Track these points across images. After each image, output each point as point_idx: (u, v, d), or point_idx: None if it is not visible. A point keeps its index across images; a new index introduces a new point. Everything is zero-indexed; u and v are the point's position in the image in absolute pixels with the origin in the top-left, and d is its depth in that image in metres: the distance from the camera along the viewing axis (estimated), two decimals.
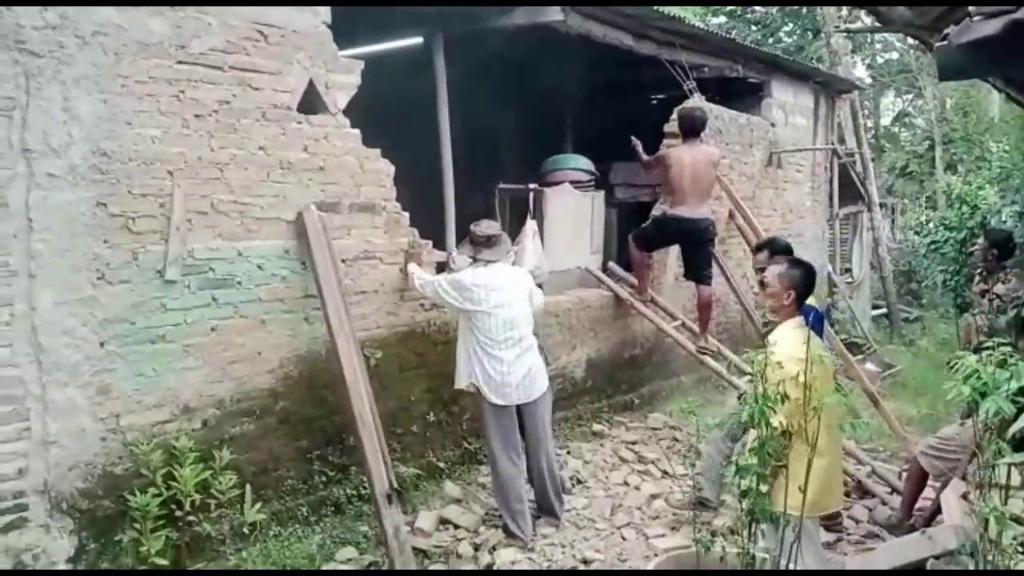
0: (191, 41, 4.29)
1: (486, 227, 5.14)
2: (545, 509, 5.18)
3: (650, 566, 3.23)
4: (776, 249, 4.80)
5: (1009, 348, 3.09)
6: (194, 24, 4.30)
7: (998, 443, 2.61)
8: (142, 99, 4.14)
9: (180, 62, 4.26)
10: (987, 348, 4.10)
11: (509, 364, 4.92)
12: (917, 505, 5.18)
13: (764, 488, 2.70)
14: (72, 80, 3.88)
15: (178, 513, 4.13)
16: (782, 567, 2.63)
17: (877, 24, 4.84)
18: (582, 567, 4.71)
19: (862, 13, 12.70)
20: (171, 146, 4.25)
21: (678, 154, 6.75)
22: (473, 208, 8.07)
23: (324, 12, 4.90)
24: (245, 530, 4.49)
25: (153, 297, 4.24)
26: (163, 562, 4.03)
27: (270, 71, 4.65)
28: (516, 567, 4.67)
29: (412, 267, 5.34)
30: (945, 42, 3.06)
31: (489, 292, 4.92)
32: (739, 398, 2.82)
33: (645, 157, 6.96)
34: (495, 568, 4.66)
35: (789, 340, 3.27)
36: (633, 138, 6.97)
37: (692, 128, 6.82)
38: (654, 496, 5.68)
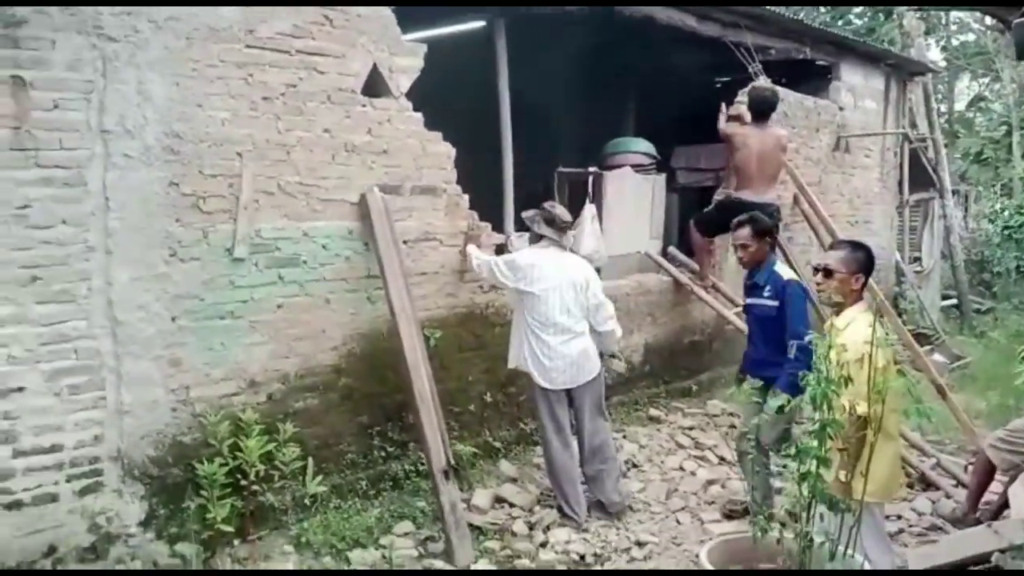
0: (259, 25, 4.40)
1: (564, 212, 5.17)
2: (598, 500, 5.12)
3: (703, 550, 3.22)
4: (759, 229, 4.82)
5: None
6: (262, 8, 4.41)
7: None
8: (212, 82, 4.26)
9: (249, 46, 4.38)
10: None
11: (555, 348, 4.93)
12: (983, 499, 5.05)
13: (824, 472, 2.67)
14: (146, 64, 4.02)
15: (243, 483, 4.26)
16: (840, 551, 2.61)
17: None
18: (636, 549, 4.72)
19: None
20: (240, 128, 4.37)
21: (746, 135, 6.64)
22: (532, 191, 8.11)
23: None
24: (307, 501, 4.62)
25: (222, 274, 4.38)
26: (228, 528, 4.18)
27: (335, 55, 4.74)
28: (570, 546, 4.71)
29: (471, 248, 5.39)
30: (1023, 18, 2.96)
31: (542, 274, 4.93)
32: (801, 379, 2.80)
33: (722, 122, 6.83)
34: (548, 544, 4.70)
35: (860, 323, 3.23)
36: (724, 104, 6.89)
37: (762, 109, 6.69)
38: (710, 482, 5.65)
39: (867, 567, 2.81)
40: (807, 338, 4.21)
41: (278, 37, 4.48)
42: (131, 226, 4.01)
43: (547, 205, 5.18)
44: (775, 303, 4.67)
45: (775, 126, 6.79)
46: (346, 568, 4.37)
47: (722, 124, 6.78)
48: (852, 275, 3.43)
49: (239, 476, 4.26)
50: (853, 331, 3.00)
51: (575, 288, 4.98)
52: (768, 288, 4.72)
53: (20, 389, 3.75)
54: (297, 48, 4.57)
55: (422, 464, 5.11)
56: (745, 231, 4.81)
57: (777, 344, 4.62)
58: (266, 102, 4.47)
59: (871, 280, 3.74)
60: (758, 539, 2.82)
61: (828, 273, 3.49)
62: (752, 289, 4.88)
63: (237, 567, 4.24)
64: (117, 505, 4.06)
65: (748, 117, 6.80)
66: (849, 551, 2.64)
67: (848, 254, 3.50)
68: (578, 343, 4.98)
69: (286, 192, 4.59)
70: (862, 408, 2.79)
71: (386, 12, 4.97)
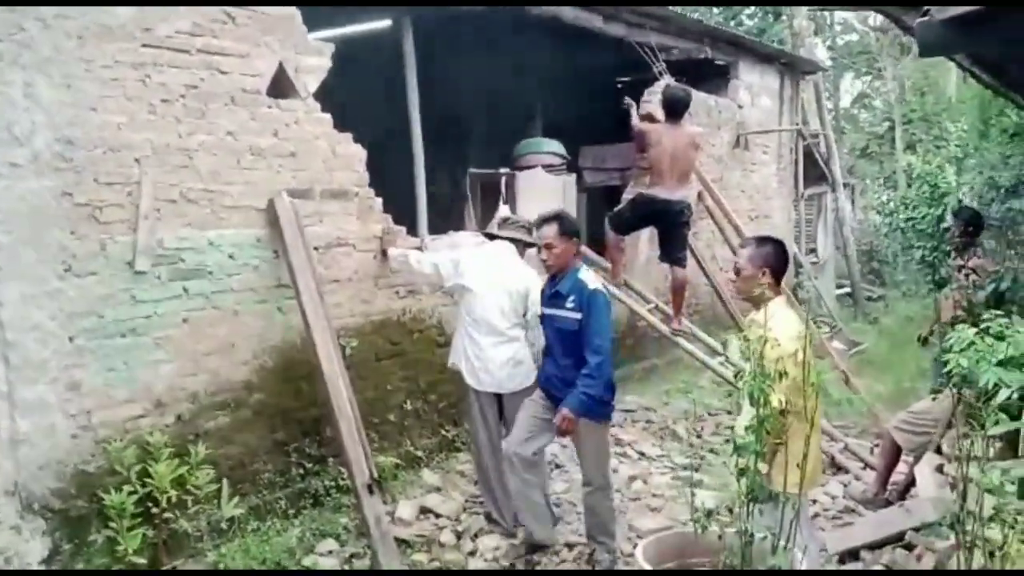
0: (157, 24, 4.16)
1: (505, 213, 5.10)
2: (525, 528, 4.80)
3: (639, 548, 3.22)
4: (566, 228, 4.35)
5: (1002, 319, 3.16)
6: (160, 6, 4.16)
7: (991, 412, 2.64)
8: (107, 84, 4.00)
9: (146, 45, 4.13)
10: (963, 322, 4.15)
11: (484, 349, 4.82)
12: (891, 479, 5.27)
13: (762, 467, 2.70)
14: (34, 65, 3.74)
15: (154, 510, 4.02)
16: (782, 545, 2.64)
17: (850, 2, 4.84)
18: (565, 551, 4.70)
19: None
20: (137, 132, 4.12)
21: (660, 132, 6.71)
22: (443, 192, 8.03)
23: None
24: (223, 525, 4.42)
25: (122, 289, 4.11)
26: (141, 561, 3.93)
27: (238, 54, 4.53)
28: (499, 552, 4.65)
29: (399, 249, 5.30)
30: (927, 18, 3.07)
31: (480, 271, 4.82)
32: (736, 376, 2.81)
33: (635, 119, 6.87)
34: (477, 552, 4.64)
35: (784, 318, 3.28)
36: (627, 99, 6.91)
37: (676, 108, 6.76)
38: (632, 478, 5.70)
39: (800, 558, 2.86)
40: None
41: (177, 36, 4.25)
42: (20, 239, 3.72)
43: (507, 215, 5.13)
44: (578, 315, 4.20)
45: (688, 125, 6.90)
46: None
47: (636, 121, 6.84)
48: (758, 270, 3.47)
49: (150, 504, 4.02)
50: (779, 326, 3.04)
51: (511, 294, 4.81)
52: (572, 298, 4.24)
53: None
54: (198, 47, 4.34)
55: (343, 479, 4.95)
56: (551, 229, 4.30)
57: (579, 360, 4.20)
58: (165, 104, 4.22)
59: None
60: (697, 535, 2.83)
61: (737, 271, 3.55)
62: (553, 298, 4.37)
63: None
64: (16, 543, 3.74)
65: (661, 115, 6.89)
66: (788, 545, 2.67)
67: (753, 250, 3.55)
68: (508, 348, 4.80)
69: (189, 199, 4.35)
70: (775, 399, 2.83)
71: (291, 10, 4.79)
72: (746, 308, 7.27)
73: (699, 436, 6.44)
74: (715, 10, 18.28)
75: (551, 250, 4.32)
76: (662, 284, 7.84)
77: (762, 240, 3.70)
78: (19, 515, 3.76)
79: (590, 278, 4.32)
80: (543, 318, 4.51)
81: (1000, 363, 2.82)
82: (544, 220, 4.39)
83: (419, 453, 5.65)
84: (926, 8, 3.07)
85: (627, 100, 6.97)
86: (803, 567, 2.86)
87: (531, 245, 4.83)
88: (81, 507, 3.97)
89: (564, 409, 4.18)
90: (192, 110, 4.34)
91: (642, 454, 6.09)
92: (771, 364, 2.71)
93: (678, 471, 5.82)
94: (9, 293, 3.68)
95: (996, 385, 2.69)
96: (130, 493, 3.93)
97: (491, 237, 5.03)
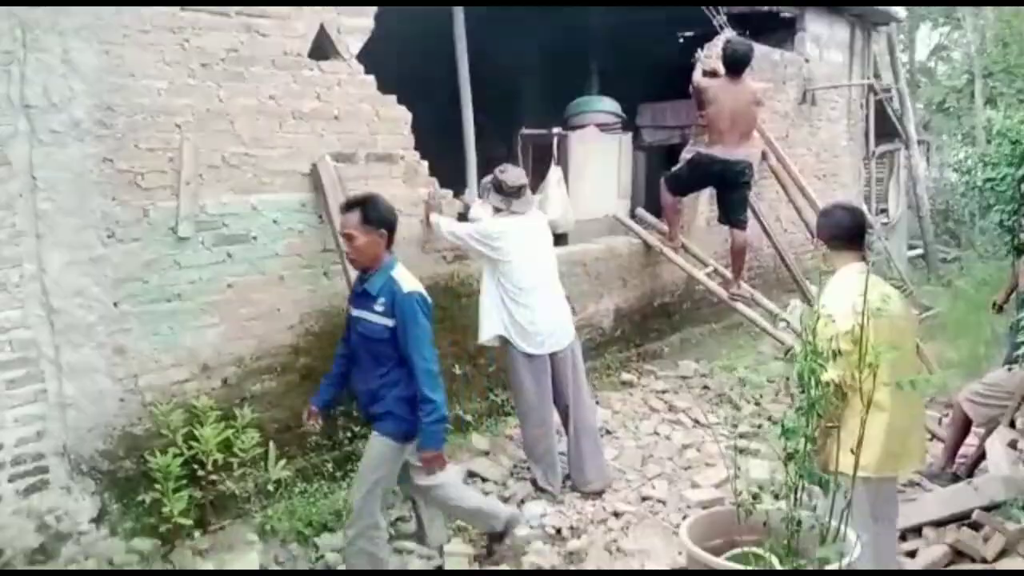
0: None
1: (515, 177, 4.92)
2: (580, 474, 4.94)
3: (684, 527, 3.09)
4: (372, 216, 3.66)
5: None
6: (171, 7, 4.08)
7: None
8: (145, 49, 3.96)
9: (184, 8, 4.07)
10: None
11: (539, 312, 4.81)
12: (960, 453, 5.01)
13: (812, 450, 2.54)
14: (71, 30, 3.71)
15: (200, 473, 4.07)
16: (833, 531, 2.48)
17: None
18: (612, 519, 4.61)
19: None
20: (178, 98, 4.08)
21: (720, 88, 6.44)
22: (495, 155, 7.87)
23: None
24: (270, 487, 4.43)
25: (166, 255, 4.12)
26: (187, 521, 3.97)
27: (278, 16, 4.45)
28: (544, 520, 4.59)
29: (436, 217, 5.17)
30: None
31: (517, 241, 4.77)
32: (786, 354, 2.64)
33: (697, 74, 6.61)
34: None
35: (840, 288, 3.07)
36: (698, 51, 6.67)
37: (737, 63, 6.47)
38: (685, 446, 5.57)
39: (859, 545, 2.68)
40: (430, 377, 3.53)
41: None
42: (63, 207, 3.73)
43: (498, 169, 4.95)
44: (389, 321, 3.60)
45: (749, 80, 6.59)
46: (315, 554, 4.22)
47: (697, 77, 6.57)
48: (826, 241, 3.31)
49: (196, 466, 4.06)
50: (836, 298, 2.84)
51: (549, 248, 4.95)
52: (382, 300, 3.62)
53: None
54: (237, 10, 4.27)
55: None
56: (353, 217, 3.63)
57: (391, 371, 3.67)
58: (205, 69, 4.17)
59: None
60: (742, 518, 2.68)
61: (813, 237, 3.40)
62: (361, 298, 3.75)
63: (198, 560, 4.05)
64: (66, 503, 3.82)
65: (722, 71, 6.60)
66: (841, 528, 2.51)
67: (822, 220, 3.41)
68: (561, 303, 4.98)
69: (231, 165, 4.32)
70: (828, 377, 2.65)
71: None
72: (813, 272, 6.97)
73: (758, 404, 6.23)
74: None
75: (352, 242, 3.64)
76: (722, 247, 7.59)
77: (834, 208, 3.53)
78: (69, 476, 3.84)
79: (405, 278, 3.67)
80: (349, 319, 3.90)
81: None
82: (348, 205, 3.74)
83: (468, 417, 5.60)
84: None
85: (697, 53, 6.70)
86: (859, 556, 2.67)
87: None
88: (128, 469, 4.03)
89: (425, 452, 3.70)
90: (232, 74, 4.28)
91: (697, 422, 5.93)
92: (824, 342, 2.52)
93: (734, 439, 5.66)
94: (53, 259, 3.71)
95: None
96: (176, 456, 3.96)
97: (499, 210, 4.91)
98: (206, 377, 4.32)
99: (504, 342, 4.87)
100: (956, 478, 4.78)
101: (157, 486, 3.93)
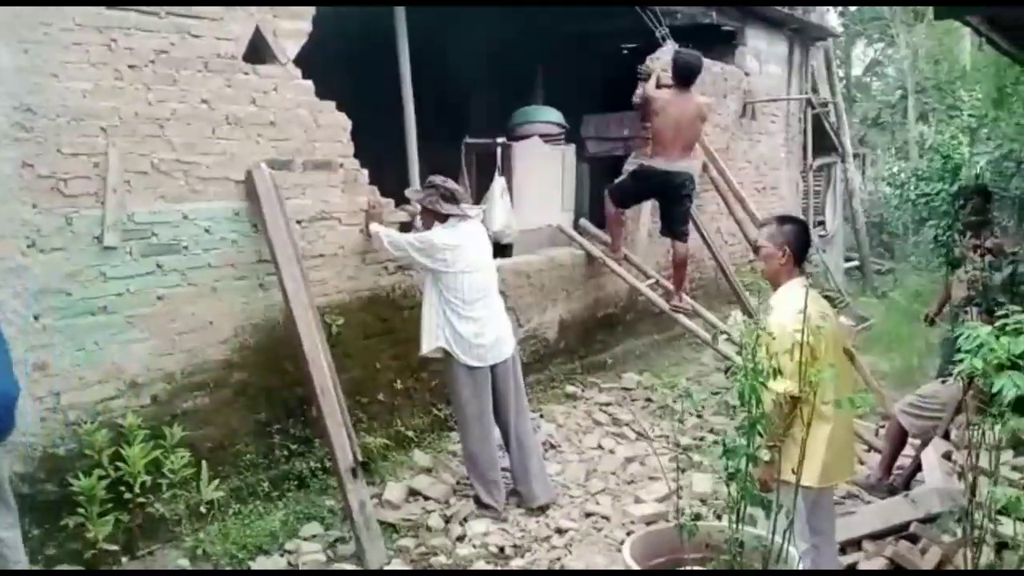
0: None
1: (449, 182, 4.84)
2: (527, 489, 4.87)
3: (626, 545, 3.04)
4: None
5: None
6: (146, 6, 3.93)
7: (1001, 411, 2.44)
8: (69, 48, 3.77)
9: (110, 7, 3.89)
10: (977, 304, 3.91)
11: (482, 324, 4.72)
12: (896, 464, 5.08)
13: (753, 470, 2.51)
14: None
15: (127, 495, 3.87)
16: (776, 549, 2.46)
17: None
18: (556, 536, 4.55)
19: None
20: (103, 100, 3.89)
21: (667, 101, 6.46)
22: (437, 164, 7.77)
23: None
24: (202, 509, 4.25)
25: (91, 265, 3.92)
26: (113, 547, 3.80)
27: (211, 17, 4.29)
28: (488, 538, 4.50)
29: (376, 227, 5.05)
30: None
31: (460, 252, 4.68)
32: (727, 373, 2.62)
33: (650, 86, 6.62)
34: (466, 538, 4.49)
35: (787, 303, 3.07)
36: (645, 64, 6.65)
37: (686, 75, 6.51)
38: (629, 459, 5.53)
39: (797, 556, 2.67)
40: None
41: None
42: None
43: (437, 180, 4.83)
44: None
45: (696, 94, 6.63)
46: None
47: (648, 88, 6.59)
48: (779, 248, 3.29)
49: (123, 488, 3.86)
50: (779, 313, 2.83)
51: (490, 259, 4.91)
52: None
53: None
54: (167, 10, 4.10)
55: (328, 460, 4.77)
56: None
57: None
58: (133, 71, 3.99)
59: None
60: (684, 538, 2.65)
61: (756, 249, 3.36)
62: None
63: None
64: None
65: (670, 82, 6.64)
66: (786, 545, 2.49)
67: (775, 228, 3.38)
68: (502, 315, 4.94)
69: (161, 171, 4.14)
70: (772, 394, 2.65)
71: None
72: (753, 284, 7.00)
73: (700, 416, 6.25)
74: None
75: None
76: (664, 259, 7.63)
77: (783, 219, 3.54)
78: None
79: None
80: None
81: (1015, 365, 2.60)
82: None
83: (410, 433, 5.48)
84: None
85: (642, 66, 6.72)
86: (802, 567, 2.67)
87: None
88: (50, 492, 3.81)
89: None
90: (162, 76, 4.11)
91: (640, 435, 5.91)
92: (766, 359, 2.51)
93: (677, 452, 5.65)
94: None
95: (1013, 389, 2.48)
96: (101, 477, 3.77)
97: (444, 216, 4.79)
98: (134, 394, 4.12)
99: (445, 354, 4.77)
100: (893, 490, 4.83)
101: (81, 510, 3.73)
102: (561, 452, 5.60)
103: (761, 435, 2.48)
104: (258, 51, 4.53)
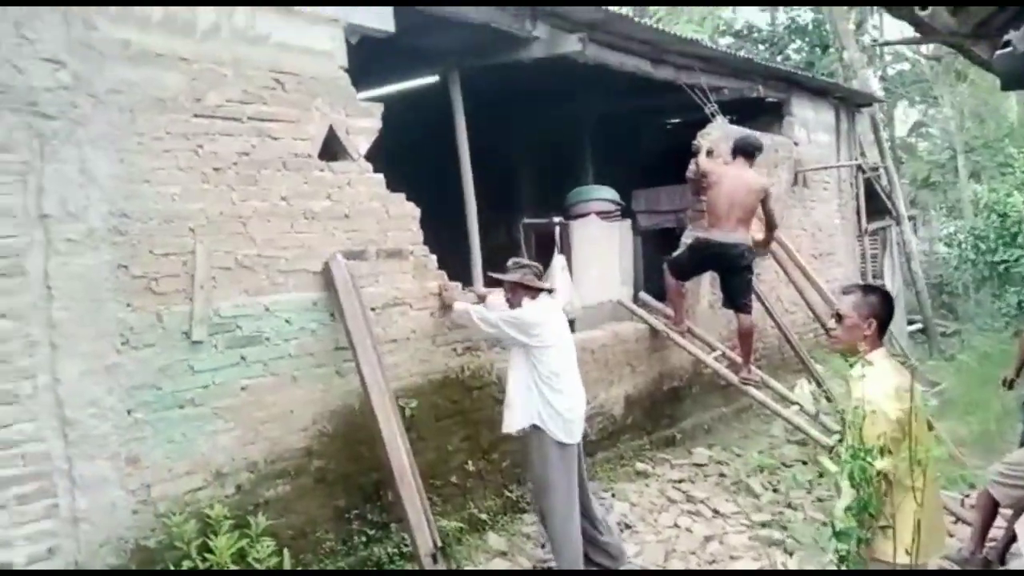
0: (207, 94, 4.17)
1: (532, 263, 4.97)
2: (616, 545, 4.92)
3: None
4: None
5: None
6: (210, 76, 4.18)
7: None
8: (159, 156, 4.00)
9: (197, 116, 4.13)
10: None
11: (572, 398, 4.73)
12: (988, 536, 4.88)
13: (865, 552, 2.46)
14: (88, 141, 3.75)
15: None
16: None
17: (916, 35, 4.64)
18: None
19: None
20: (191, 202, 4.10)
21: (723, 173, 6.55)
22: (498, 244, 7.92)
23: (341, 56, 4.78)
24: None
25: (180, 360, 4.06)
26: None
27: (289, 119, 4.52)
28: None
29: (463, 304, 5.14)
30: (1008, 49, 2.86)
31: (549, 327, 4.73)
32: (830, 452, 2.58)
33: (702, 159, 6.72)
34: None
35: (882, 375, 3.02)
36: (698, 140, 6.80)
37: (747, 152, 6.65)
38: (708, 538, 5.41)
39: None
40: None
41: (227, 104, 4.25)
42: (78, 315, 3.69)
43: (523, 260, 4.94)
44: None
45: (753, 170, 6.71)
46: None
47: (702, 160, 6.71)
48: (864, 320, 3.23)
49: None
50: (876, 386, 2.80)
51: (569, 335, 4.96)
52: None
53: None
54: (248, 115, 4.34)
55: (406, 545, 4.78)
56: None
57: None
58: (218, 173, 4.21)
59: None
60: None
61: (839, 318, 3.29)
62: None
63: None
64: None
65: (728, 158, 6.77)
66: None
67: (859, 298, 3.30)
68: (582, 389, 4.94)
69: (244, 266, 4.31)
70: (884, 465, 2.59)
71: (340, 73, 4.77)
72: (816, 351, 6.92)
73: (776, 491, 6.11)
74: (760, 46, 18.16)
75: None
76: (727, 329, 7.59)
77: (868, 288, 3.45)
78: None
79: None
80: None
81: None
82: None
83: (483, 516, 5.45)
84: (1006, 39, 2.86)
85: (697, 141, 6.85)
86: None
87: (537, 289, 4.82)
88: None
89: None
90: (245, 177, 4.32)
91: (716, 512, 5.79)
92: (872, 438, 2.47)
93: (756, 529, 5.52)
94: (67, 369, 3.65)
95: None
96: (190, 569, 3.83)
97: (497, 281, 4.89)
98: (219, 484, 4.20)
99: (533, 432, 4.72)
100: (988, 563, 4.64)
101: None
102: (637, 532, 5.50)
103: (872, 515, 2.43)
104: (332, 148, 4.74)
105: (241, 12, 4.30)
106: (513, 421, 4.74)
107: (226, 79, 4.24)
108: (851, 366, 2.93)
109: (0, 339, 3.48)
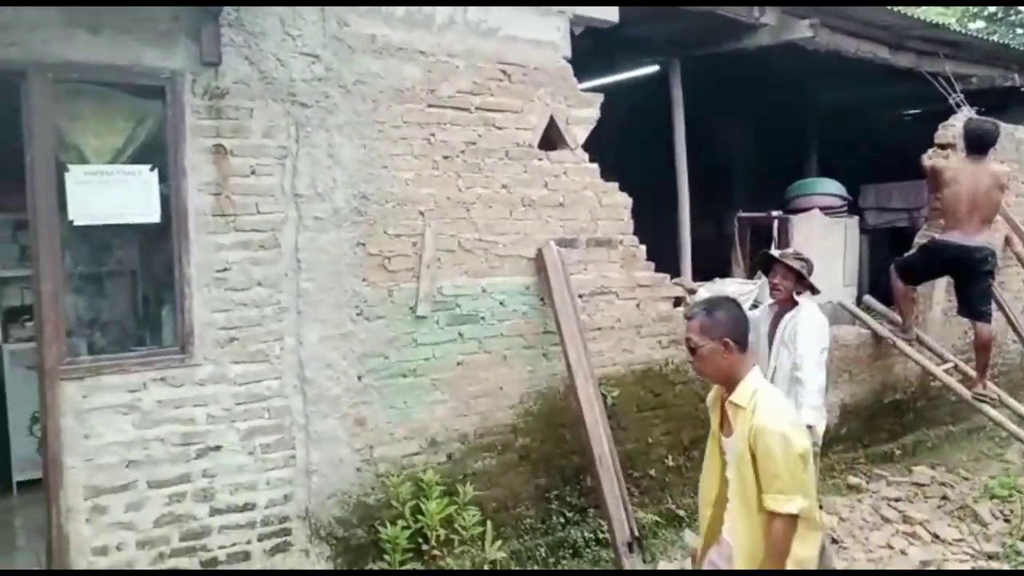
0: (440, 84, 4.43)
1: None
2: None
3: None
4: None
5: None
6: (443, 68, 4.43)
7: None
8: (396, 143, 4.31)
9: (431, 105, 4.41)
10: None
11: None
12: None
13: None
14: (335, 127, 4.12)
15: (424, 547, 4.18)
16: None
17: None
18: None
19: None
20: (422, 187, 4.39)
21: (958, 169, 6.00)
22: (707, 237, 7.76)
23: (565, 47, 4.89)
24: (486, 567, 4.47)
25: (405, 332, 4.38)
26: None
27: (513, 110, 4.70)
28: None
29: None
30: None
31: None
32: None
33: (932, 160, 6.20)
34: None
35: None
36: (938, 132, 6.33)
37: (982, 143, 6.02)
38: (924, 563, 5.01)
39: None
40: None
41: (458, 95, 4.50)
42: (321, 286, 4.08)
43: (803, 254, 4.60)
44: None
45: (992, 162, 6.09)
46: None
47: (937, 158, 6.17)
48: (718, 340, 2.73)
49: (420, 540, 4.18)
50: None
51: None
52: None
53: (218, 448, 3.85)
54: (476, 105, 4.57)
55: (602, 532, 4.84)
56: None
57: None
58: (447, 160, 4.47)
59: None
60: None
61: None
62: None
63: None
64: (305, 565, 4.07)
65: (958, 150, 6.18)
66: None
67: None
68: None
69: (466, 249, 4.56)
70: None
71: (563, 63, 4.89)
72: None
73: (1007, 520, 5.54)
74: (1018, 30, 16.30)
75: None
76: (961, 340, 6.97)
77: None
78: (308, 540, 4.09)
79: None
80: None
81: None
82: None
83: (680, 512, 5.39)
84: None
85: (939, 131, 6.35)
86: None
87: (802, 282, 4.46)
88: (360, 537, 4.23)
89: None
90: (470, 165, 4.55)
91: (936, 536, 5.34)
92: None
93: (980, 560, 5.04)
94: (310, 334, 4.05)
95: None
96: (403, 528, 4.12)
97: (769, 261, 4.57)
98: (433, 451, 4.49)
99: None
100: None
101: (386, 556, 4.08)
102: (845, 548, 5.20)
103: None
104: (551, 138, 4.88)
105: (475, 6, 4.52)
106: (821, 419, 4.53)
107: (458, 70, 4.48)
108: None
109: (257, 303, 3.93)
